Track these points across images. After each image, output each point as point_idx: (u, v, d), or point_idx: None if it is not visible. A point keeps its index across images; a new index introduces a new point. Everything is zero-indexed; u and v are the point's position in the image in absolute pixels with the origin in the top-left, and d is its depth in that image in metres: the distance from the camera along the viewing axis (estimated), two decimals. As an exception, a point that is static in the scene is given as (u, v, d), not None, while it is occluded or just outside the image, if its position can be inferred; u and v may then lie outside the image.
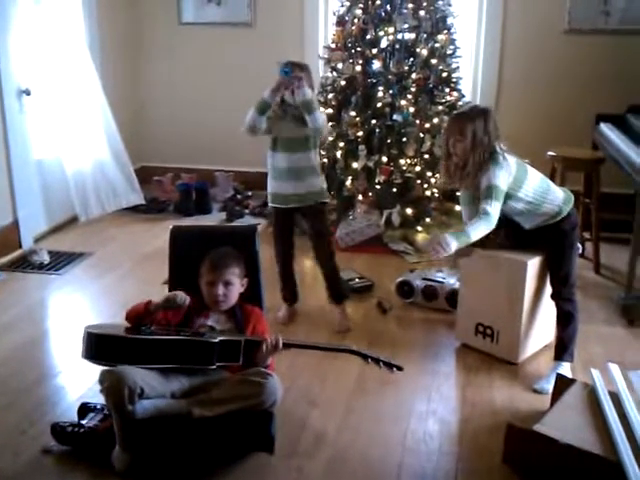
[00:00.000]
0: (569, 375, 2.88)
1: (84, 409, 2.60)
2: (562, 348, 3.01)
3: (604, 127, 4.53)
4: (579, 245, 3.18)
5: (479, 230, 2.73)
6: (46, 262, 4.30)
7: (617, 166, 3.98)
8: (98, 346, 2.38)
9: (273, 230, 3.55)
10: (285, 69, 3.15)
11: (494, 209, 2.75)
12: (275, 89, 3.17)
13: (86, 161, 5.00)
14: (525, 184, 2.88)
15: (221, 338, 2.37)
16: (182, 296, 2.48)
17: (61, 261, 4.36)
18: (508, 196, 2.84)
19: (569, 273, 3.01)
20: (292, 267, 3.58)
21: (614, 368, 2.71)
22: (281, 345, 2.42)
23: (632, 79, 4.90)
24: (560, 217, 2.97)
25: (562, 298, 3.01)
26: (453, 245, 2.66)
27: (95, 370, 2.41)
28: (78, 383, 2.94)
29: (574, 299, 3.03)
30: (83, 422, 2.52)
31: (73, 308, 3.77)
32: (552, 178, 3.90)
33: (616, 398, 2.48)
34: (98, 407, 2.58)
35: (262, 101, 3.19)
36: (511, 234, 3.06)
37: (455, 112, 2.94)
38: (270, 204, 3.48)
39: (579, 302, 3.07)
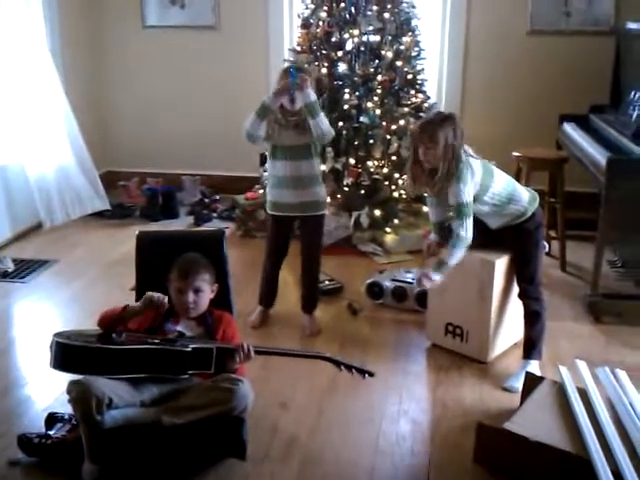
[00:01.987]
0: (538, 373, 2.91)
1: (51, 419, 2.55)
2: (530, 346, 3.05)
3: (568, 127, 4.60)
4: (545, 243, 3.22)
5: (458, 255, 2.86)
6: (10, 270, 4.23)
7: (581, 165, 4.04)
8: (67, 356, 2.32)
9: (268, 236, 3.52)
10: (292, 71, 3.10)
11: (466, 228, 2.83)
12: (277, 93, 3.12)
13: (49, 167, 4.92)
14: (491, 188, 2.91)
15: (193, 346, 2.33)
16: (160, 296, 2.46)
17: (26, 269, 4.28)
18: (474, 199, 2.87)
19: (535, 272, 3.04)
20: (278, 273, 3.56)
21: (581, 365, 2.75)
22: (253, 353, 2.41)
23: (594, 79, 4.96)
24: (525, 217, 3.00)
25: (529, 297, 3.05)
26: (437, 277, 2.86)
27: (62, 380, 2.37)
28: (45, 393, 2.89)
29: (541, 297, 3.06)
30: (51, 433, 2.48)
31: (39, 316, 3.71)
32: (517, 178, 3.94)
33: (584, 394, 2.51)
34: (66, 417, 2.54)
35: (263, 106, 3.13)
36: (478, 233, 3.08)
37: (422, 120, 2.95)
38: (268, 211, 3.44)
39: (546, 300, 3.10)
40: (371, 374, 2.47)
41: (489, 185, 2.90)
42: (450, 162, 2.80)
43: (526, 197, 3.01)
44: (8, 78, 4.62)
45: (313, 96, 3.17)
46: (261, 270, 3.57)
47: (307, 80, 3.13)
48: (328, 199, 4.63)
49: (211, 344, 2.41)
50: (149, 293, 2.48)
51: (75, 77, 5.46)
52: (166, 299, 2.48)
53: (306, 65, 4.53)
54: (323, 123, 3.18)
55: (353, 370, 2.45)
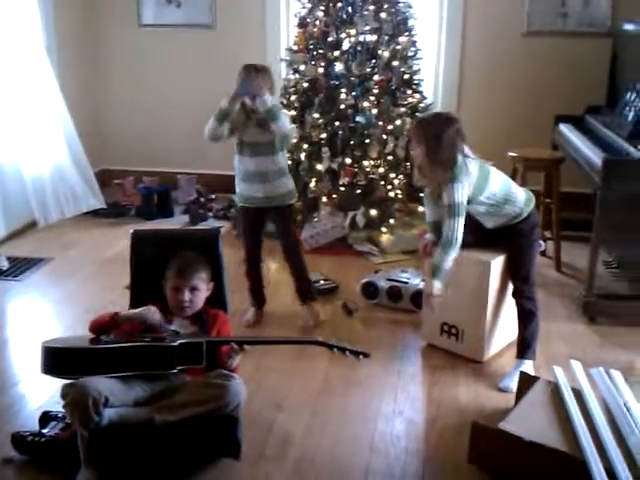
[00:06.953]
0: (532, 373, 2.91)
1: (46, 418, 2.55)
2: (524, 346, 3.05)
3: (563, 128, 4.60)
4: (541, 242, 3.22)
5: (450, 258, 2.85)
6: (4, 268, 4.21)
7: (576, 166, 4.04)
8: (56, 359, 2.33)
9: (242, 230, 3.57)
10: (243, 87, 3.15)
11: (455, 230, 2.82)
12: (233, 98, 3.17)
13: (45, 165, 4.90)
14: (487, 188, 2.91)
15: (181, 341, 2.34)
16: (155, 316, 2.45)
17: (20, 267, 4.27)
18: (470, 200, 2.87)
19: (530, 272, 3.04)
20: (259, 268, 3.57)
21: (576, 365, 2.75)
22: (245, 345, 2.40)
23: (590, 80, 4.98)
24: (520, 218, 3.01)
25: (523, 296, 3.05)
26: (438, 285, 2.86)
27: (56, 379, 2.36)
28: (39, 392, 2.88)
29: (535, 297, 3.06)
30: (44, 431, 2.48)
31: (33, 314, 3.69)
32: (513, 178, 3.93)
33: (579, 395, 2.51)
34: (60, 416, 2.53)
35: (221, 110, 3.19)
36: (474, 231, 3.08)
37: (421, 119, 2.95)
38: (239, 203, 3.51)
39: (540, 300, 3.11)
40: (366, 355, 2.42)
41: (485, 185, 2.90)
42: (447, 165, 2.80)
43: (522, 198, 3.02)
44: (3, 76, 4.60)
45: (269, 102, 3.19)
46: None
47: (262, 88, 3.16)
48: (324, 198, 4.67)
49: (200, 338, 2.41)
50: (145, 310, 2.46)
51: (71, 75, 5.45)
52: (157, 318, 2.46)
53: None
54: (285, 125, 3.24)
55: (347, 352, 2.42)
